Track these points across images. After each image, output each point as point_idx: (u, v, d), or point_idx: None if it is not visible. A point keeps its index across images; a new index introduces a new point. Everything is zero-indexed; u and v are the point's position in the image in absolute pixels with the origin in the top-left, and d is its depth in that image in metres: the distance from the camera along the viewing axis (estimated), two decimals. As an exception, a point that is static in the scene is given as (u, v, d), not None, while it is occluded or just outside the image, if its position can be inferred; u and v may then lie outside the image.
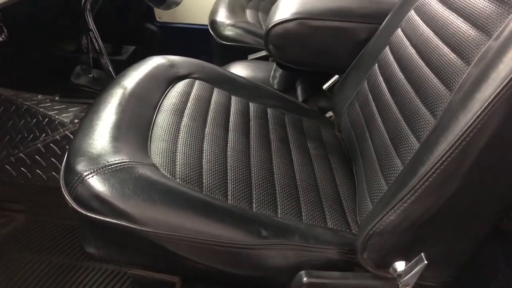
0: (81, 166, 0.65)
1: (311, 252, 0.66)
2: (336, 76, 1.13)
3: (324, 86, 1.14)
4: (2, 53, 1.32)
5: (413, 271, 0.59)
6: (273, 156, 0.84)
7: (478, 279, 0.82)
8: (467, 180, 0.54)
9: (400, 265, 0.61)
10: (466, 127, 0.51)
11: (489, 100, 0.49)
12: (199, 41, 1.91)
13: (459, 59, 0.63)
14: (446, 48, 0.67)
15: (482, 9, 0.62)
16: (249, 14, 1.68)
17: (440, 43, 0.69)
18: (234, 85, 1.03)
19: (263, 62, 1.38)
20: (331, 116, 1.15)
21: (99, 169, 0.64)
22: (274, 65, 1.25)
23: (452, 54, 0.65)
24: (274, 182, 0.77)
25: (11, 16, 1.23)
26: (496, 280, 0.83)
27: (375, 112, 0.83)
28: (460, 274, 0.66)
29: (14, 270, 1.09)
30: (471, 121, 0.51)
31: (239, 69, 1.31)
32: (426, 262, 0.58)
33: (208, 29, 1.58)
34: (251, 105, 0.99)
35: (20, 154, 1.26)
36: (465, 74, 0.59)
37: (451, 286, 0.67)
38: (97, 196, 0.62)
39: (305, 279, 0.63)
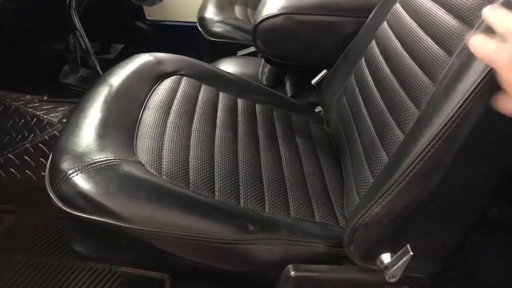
0: (65, 165, 0.65)
1: (298, 246, 0.66)
2: (324, 71, 1.14)
3: (313, 81, 1.14)
4: (-11, 53, 1.31)
5: (399, 263, 0.59)
6: (261, 152, 0.84)
7: (467, 269, 0.82)
8: (450, 171, 0.55)
9: (386, 257, 0.62)
10: (448, 118, 0.51)
11: (470, 91, 0.49)
12: (189, 38, 1.91)
13: (442, 51, 0.63)
14: (430, 39, 0.67)
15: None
16: (237, 10, 1.67)
17: (423, 35, 0.69)
18: (222, 81, 1.03)
19: (252, 58, 1.38)
20: (320, 111, 1.15)
21: (84, 167, 0.64)
22: (263, 61, 1.25)
23: (435, 45, 0.65)
24: (262, 177, 0.77)
25: (-2, 16, 1.22)
26: (485, 270, 0.84)
27: (362, 105, 0.84)
28: (447, 265, 0.66)
29: (5, 271, 1.08)
30: (453, 112, 0.51)
31: (228, 66, 1.31)
32: (412, 253, 0.58)
33: (197, 26, 1.57)
34: (239, 101, 0.98)
35: (9, 154, 1.25)
36: (447, 66, 0.59)
37: (439, 276, 0.68)
38: (81, 194, 0.61)
39: (292, 273, 0.63)
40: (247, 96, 1.01)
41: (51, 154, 0.71)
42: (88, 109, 0.77)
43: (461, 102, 0.50)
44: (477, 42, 0.44)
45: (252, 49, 1.41)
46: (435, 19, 0.67)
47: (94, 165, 0.64)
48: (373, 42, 0.90)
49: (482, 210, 0.62)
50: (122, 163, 0.66)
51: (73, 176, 0.63)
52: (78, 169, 0.64)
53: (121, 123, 0.77)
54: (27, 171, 1.24)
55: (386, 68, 0.79)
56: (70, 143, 0.69)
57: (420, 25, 0.72)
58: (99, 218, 0.60)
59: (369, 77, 0.85)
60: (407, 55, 0.72)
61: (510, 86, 0.42)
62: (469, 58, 0.52)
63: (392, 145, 0.67)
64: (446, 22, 0.64)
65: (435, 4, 0.69)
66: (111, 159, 0.66)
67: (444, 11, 0.66)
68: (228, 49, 1.45)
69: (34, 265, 1.09)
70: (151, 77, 0.92)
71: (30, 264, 1.09)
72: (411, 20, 0.76)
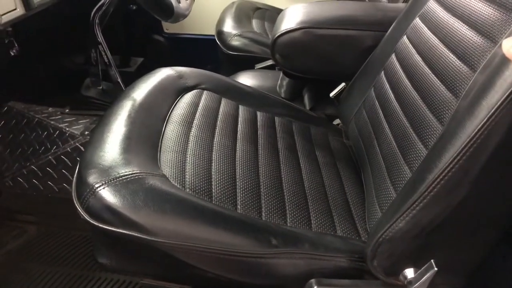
0: (92, 178, 0.66)
1: (321, 260, 0.67)
2: (343, 84, 1.14)
3: (331, 94, 1.15)
4: (13, 67, 1.34)
5: (423, 278, 0.59)
6: (282, 165, 0.85)
7: (489, 283, 0.81)
8: (475, 186, 0.55)
9: (410, 272, 0.62)
10: (473, 133, 0.52)
11: (496, 106, 0.50)
12: (206, 52, 1.93)
13: (465, 66, 0.63)
14: (452, 55, 0.67)
15: (487, 16, 0.63)
16: (255, 24, 1.69)
17: (445, 50, 0.70)
18: (241, 94, 1.04)
19: (270, 71, 1.39)
20: (338, 124, 1.15)
21: (110, 180, 0.65)
22: (281, 74, 1.26)
23: (458, 61, 0.65)
24: (283, 190, 0.78)
25: (22, 31, 1.25)
26: (508, 282, 0.83)
27: (383, 119, 0.84)
28: (471, 279, 0.66)
29: (27, 281, 1.10)
30: (478, 127, 0.51)
31: (246, 79, 1.32)
32: (436, 269, 0.58)
33: (215, 39, 1.59)
34: (258, 114, 0.99)
35: (32, 166, 1.28)
36: (471, 81, 0.59)
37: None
38: (108, 207, 0.62)
39: (315, 287, 0.63)
40: (266, 109, 1.02)
41: (77, 168, 0.72)
42: (113, 123, 0.79)
43: (486, 117, 0.51)
44: (509, 43, 0.44)
45: (269, 62, 1.43)
46: (458, 34, 0.68)
47: (120, 178, 0.66)
48: (393, 56, 0.90)
49: (507, 224, 0.61)
50: (147, 176, 0.68)
51: (100, 190, 0.64)
52: (105, 183, 0.65)
53: (145, 136, 0.78)
54: (49, 182, 1.26)
55: (407, 83, 0.79)
56: (96, 157, 0.71)
57: (442, 40, 0.72)
58: (125, 231, 0.61)
59: (390, 91, 0.85)
60: (428, 70, 0.73)
61: None
62: (494, 74, 0.53)
63: (415, 159, 0.67)
64: (469, 38, 0.64)
65: (457, 20, 0.70)
66: (137, 173, 0.67)
67: (467, 27, 0.66)
68: (246, 62, 1.47)
69: (55, 276, 1.11)
70: (173, 91, 0.94)
71: (52, 274, 1.11)
72: (433, 35, 0.76)
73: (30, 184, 1.27)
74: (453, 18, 0.71)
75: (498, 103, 0.50)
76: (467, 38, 0.65)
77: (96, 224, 0.63)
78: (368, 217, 0.77)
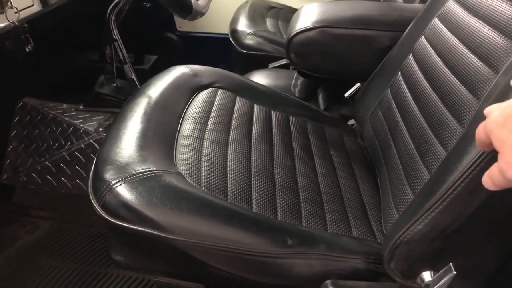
0: (109, 175, 0.66)
1: (336, 261, 0.66)
2: (358, 84, 1.13)
3: (346, 94, 1.14)
4: (28, 63, 1.35)
5: (441, 282, 0.58)
6: (297, 165, 0.84)
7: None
8: (497, 190, 0.54)
9: (427, 275, 0.61)
10: (496, 136, 0.51)
11: (520, 108, 0.49)
12: (220, 50, 1.93)
13: (487, 68, 0.62)
14: (473, 56, 0.66)
15: (510, 16, 0.62)
16: (269, 23, 1.69)
17: (466, 51, 0.69)
18: (256, 93, 1.04)
19: (284, 70, 1.39)
20: (353, 124, 1.14)
21: (127, 177, 0.65)
22: (296, 73, 1.26)
23: (480, 62, 0.64)
24: (298, 190, 0.78)
25: (37, 27, 1.26)
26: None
27: (400, 120, 0.83)
28: (490, 284, 0.65)
29: (40, 276, 1.11)
30: (501, 130, 0.50)
31: (260, 78, 1.32)
32: (454, 272, 0.57)
33: (228, 37, 1.59)
34: (273, 113, 0.99)
35: (46, 162, 1.29)
36: (494, 83, 0.58)
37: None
38: (125, 204, 0.63)
39: (331, 288, 0.63)
40: (281, 109, 1.02)
41: (93, 164, 0.72)
42: (129, 120, 0.79)
43: (510, 120, 0.50)
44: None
45: (283, 61, 1.42)
46: (479, 35, 0.67)
47: (137, 175, 0.66)
48: (410, 57, 0.89)
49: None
50: (164, 174, 0.68)
51: (117, 186, 0.64)
52: (122, 180, 0.65)
53: (161, 134, 0.78)
54: (62, 178, 1.27)
55: (426, 84, 0.78)
56: (112, 154, 0.71)
57: (462, 41, 0.71)
58: (141, 228, 0.61)
59: (407, 91, 0.84)
60: (448, 71, 0.72)
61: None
62: (518, 75, 0.52)
63: (433, 161, 0.66)
64: (492, 39, 0.63)
65: (478, 20, 0.69)
66: (153, 170, 0.67)
67: (489, 27, 0.65)
68: (260, 61, 1.46)
69: (68, 272, 1.12)
70: (188, 89, 0.94)
71: (65, 270, 1.12)
72: (452, 36, 0.75)
73: (44, 180, 1.28)
74: (474, 18, 0.70)
75: (523, 105, 0.48)
76: (490, 39, 0.64)
77: (112, 220, 0.63)
78: (384, 219, 0.76)
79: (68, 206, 1.28)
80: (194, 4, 1.03)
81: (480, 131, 0.44)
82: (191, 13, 1.03)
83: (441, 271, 0.59)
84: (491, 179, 0.43)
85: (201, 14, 1.08)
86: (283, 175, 0.80)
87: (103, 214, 0.64)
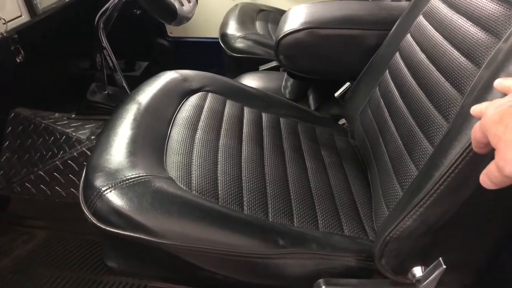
0: (99, 182, 0.66)
1: (329, 260, 0.66)
2: (348, 83, 1.14)
3: (336, 94, 1.15)
4: (19, 74, 1.35)
5: (432, 276, 0.58)
6: (287, 165, 0.85)
7: (500, 282, 0.81)
8: (483, 183, 0.54)
9: (418, 271, 0.61)
10: (479, 130, 0.51)
11: (501, 102, 0.49)
12: (211, 54, 1.94)
13: (469, 63, 0.63)
14: (456, 52, 0.67)
15: (490, 12, 0.62)
16: (258, 25, 1.69)
17: (449, 47, 0.70)
18: (246, 96, 1.05)
19: (274, 72, 1.40)
20: (344, 123, 1.15)
21: (117, 184, 0.66)
22: (285, 75, 1.26)
23: (462, 57, 0.65)
24: (289, 191, 0.78)
25: (27, 37, 1.26)
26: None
27: (388, 118, 0.84)
28: (480, 278, 0.65)
29: (37, 286, 1.10)
30: (484, 123, 0.51)
31: (251, 80, 1.32)
32: (444, 267, 0.57)
33: (219, 42, 1.60)
34: (263, 115, 1.00)
35: (39, 171, 1.28)
36: (476, 77, 0.59)
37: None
38: (115, 211, 0.63)
39: (323, 287, 0.63)
40: (271, 110, 1.02)
41: (84, 172, 0.73)
42: (118, 127, 0.79)
43: (492, 114, 0.50)
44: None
45: (274, 63, 1.43)
46: (462, 31, 0.67)
47: (127, 181, 0.66)
48: (397, 55, 0.90)
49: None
50: (154, 179, 0.68)
51: (107, 193, 0.64)
52: (112, 186, 0.65)
53: (151, 139, 0.78)
54: (56, 187, 1.27)
55: (412, 81, 0.79)
56: (102, 161, 0.71)
57: (446, 37, 0.72)
58: (132, 234, 0.62)
59: (395, 89, 0.85)
60: (433, 68, 0.73)
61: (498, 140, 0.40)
62: (499, 69, 0.53)
63: (421, 157, 0.67)
64: (473, 35, 0.64)
65: (460, 16, 0.70)
66: (143, 175, 0.68)
67: (471, 23, 0.66)
68: (250, 64, 1.47)
69: (64, 280, 1.11)
70: (178, 94, 0.94)
71: (62, 279, 1.11)
72: (436, 32, 0.76)
73: (38, 190, 1.28)
74: (457, 15, 0.71)
75: (504, 99, 0.49)
76: (471, 35, 0.64)
77: (103, 227, 0.63)
78: (375, 216, 0.76)
79: (63, 214, 1.28)
80: (179, 10, 1.04)
81: (476, 130, 0.44)
82: (176, 18, 1.04)
83: (431, 266, 0.59)
84: (488, 178, 0.43)
85: (187, 19, 1.09)
86: (274, 176, 0.80)
87: (94, 221, 0.64)
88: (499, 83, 0.47)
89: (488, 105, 0.44)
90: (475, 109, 0.47)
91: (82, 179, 0.72)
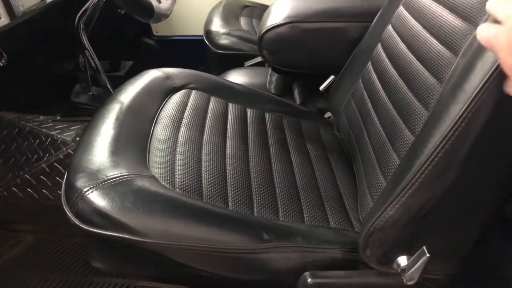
0: (80, 182, 0.66)
1: (314, 252, 0.66)
2: (332, 77, 1.14)
3: (321, 87, 1.15)
4: (2, 77, 1.34)
5: (416, 265, 0.59)
6: (272, 160, 0.84)
7: (486, 268, 0.81)
8: (463, 170, 0.54)
9: (403, 260, 0.61)
10: (457, 117, 0.51)
11: (477, 89, 0.49)
12: (197, 52, 1.92)
13: (447, 51, 0.63)
14: (435, 40, 0.67)
15: (466, -1, 0.62)
16: (243, 21, 1.69)
17: (428, 36, 0.70)
18: (231, 92, 1.04)
19: (259, 68, 1.39)
20: (329, 117, 1.15)
21: (99, 184, 0.65)
22: (270, 70, 1.26)
23: (440, 46, 0.65)
24: (274, 185, 0.78)
25: (9, 40, 1.24)
26: (504, 268, 0.83)
27: (371, 109, 0.84)
28: (465, 265, 0.66)
29: (25, 290, 1.10)
30: (461, 111, 0.51)
31: (236, 77, 1.32)
32: (428, 255, 0.58)
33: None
34: (248, 111, 0.99)
35: (26, 175, 1.27)
36: (454, 65, 0.59)
37: (459, 277, 0.67)
38: (97, 211, 0.62)
39: (309, 280, 0.63)
40: (256, 106, 1.02)
41: (66, 173, 0.72)
42: (100, 127, 0.79)
43: (469, 101, 0.50)
44: (480, 28, 0.44)
45: (259, 59, 1.42)
46: (439, 19, 0.67)
47: (109, 181, 0.65)
48: (379, 46, 0.90)
49: (497, 208, 0.61)
50: (136, 178, 0.67)
51: (88, 194, 0.64)
52: (93, 186, 0.65)
53: (133, 138, 0.78)
54: (43, 190, 1.26)
55: (393, 71, 0.79)
56: (84, 161, 0.71)
57: (424, 26, 0.72)
58: (115, 234, 0.61)
59: (377, 80, 0.85)
60: (413, 57, 0.73)
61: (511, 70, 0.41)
62: (474, 57, 0.53)
63: (402, 147, 0.67)
64: (450, 22, 0.64)
65: (438, 5, 0.70)
66: (125, 175, 0.67)
67: (448, 11, 0.66)
68: (235, 60, 1.46)
69: (53, 283, 1.11)
70: (161, 92, 0.93)
71: (50, 282, 1.11)
72: (416, 22, 0.76)
73: (25, 193, 1.27)
74: (435, 3, 0.71)
75: (480, 86, 0.49)
76: (449, 23, 0.64)
77: (86, 228, 0.63)
78: (361, 208, 0.76)
79: (51, 217, 1.27)
80: (156, 7, 1.03)
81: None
82: (153, 15, 1.03)
83: (415, 255, 0.59)
84: None
85: (165, 16, 1.08)
86: (259, 171, 0.80)
87: (77, 222, 0.64)
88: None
89: (497, 32, 0.41)
90: (480, 31, 0.44)
91: (64, 180, 0.71)
